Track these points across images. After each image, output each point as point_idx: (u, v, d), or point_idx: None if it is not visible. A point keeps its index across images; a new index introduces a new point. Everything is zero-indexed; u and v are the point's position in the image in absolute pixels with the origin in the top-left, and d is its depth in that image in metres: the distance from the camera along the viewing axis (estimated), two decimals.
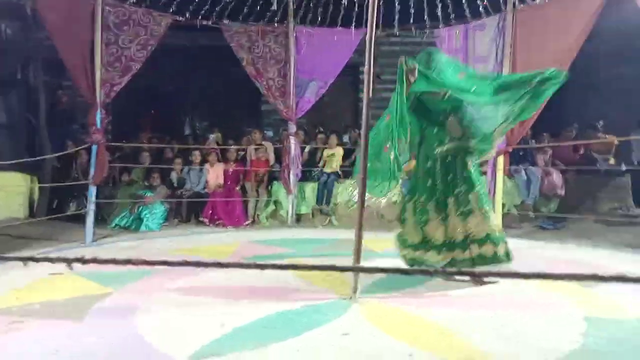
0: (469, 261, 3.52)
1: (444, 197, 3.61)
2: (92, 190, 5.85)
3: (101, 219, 6.62)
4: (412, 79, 3.59)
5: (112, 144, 7.39)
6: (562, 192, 6.79)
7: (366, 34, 3.49)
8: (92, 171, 5.84)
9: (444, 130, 3.66)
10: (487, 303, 3.24)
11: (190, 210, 7.29)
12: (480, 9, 6.48)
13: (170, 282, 3.69)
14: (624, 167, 6.47)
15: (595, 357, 2.34)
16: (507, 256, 3.52)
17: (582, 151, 7.11)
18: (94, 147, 5.82)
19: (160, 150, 8.02)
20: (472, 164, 3.62)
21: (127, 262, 1.01)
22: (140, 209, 6.66)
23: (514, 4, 6.17)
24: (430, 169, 3.67)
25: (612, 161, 6.95)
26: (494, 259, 3.48)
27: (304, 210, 7.39)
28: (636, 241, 5.47)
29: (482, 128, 3.68)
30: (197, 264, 1.03)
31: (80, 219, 6.12)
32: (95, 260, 1.03)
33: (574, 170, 6.81)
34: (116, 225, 6.66)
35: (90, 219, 5.75)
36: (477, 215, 3.51)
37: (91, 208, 5.77)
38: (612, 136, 6.85)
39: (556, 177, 6.81)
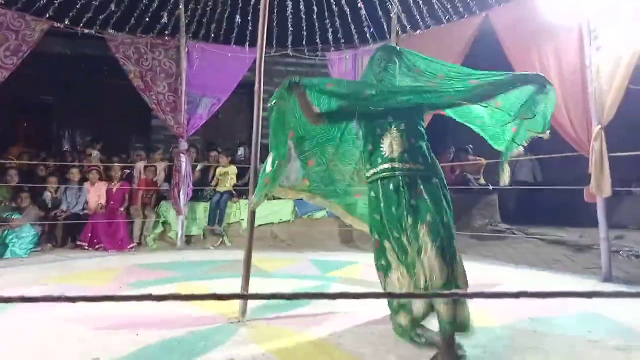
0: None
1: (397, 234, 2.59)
2: None
3: None
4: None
5: None
6: None
7: None
8: None
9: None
10: (369, 319, 3.36)
11: (66, 233, 6.67)
12: (368, 35, 6.88)
13: (41, 312, 3.32)
14: (491, 187, 7.19)
15: None
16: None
17: (457, 172, 7.76)
18: None
19: (31, 167, 7.27)
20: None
21: None
22: (5, 233, 5.94)
23: (397, 32, 6.65)
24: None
25: (482, 181, 7.68)
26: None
27: (195, 231, 7.13)
28: (502, 254, 6.09)
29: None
30: None
31: None
32: None
33: (451, 189, 7.40)
34: None
35: None
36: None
37: None
38: (481, 159, 7.59)
39: None
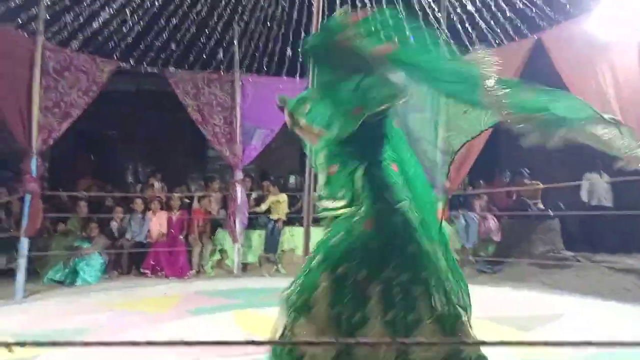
0: None
1: None
2: (24, 243, 5.52)
3: (33, 273, 6.20)
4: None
5: (48, 193, 7.06)
6: (498, 236, 7.14)
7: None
8: (24, 222, 5.53)
9: None
10: None
11: (131, 261, 7.01)
12: None
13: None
14: (551, 213, 6.93)
15: None
16: None
17: (514, 197, 7.54)
18: (27, 197, 5.55)
19: (99, 198, 7.74)
20: None
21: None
22: (76, 261, 6.32)
23: None
24: None
25: (540, 205, 7.41)
26: None
27: (250, 258, 7.30)
28: (565, 282, 5.80)
29: None
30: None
31: (10, 273, 5.70)
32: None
33: (508, 214, 7.19)
34: (49, 279, 6.24)
35: (21, 274, 5.38)
36: None
37: (22, 262, 5.43)
38: (538, 182, 7.35)
39: (492, 222, 7.17)
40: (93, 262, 6.41)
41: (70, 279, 6.21)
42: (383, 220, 1.97)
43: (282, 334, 1.92)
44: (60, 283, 6.19)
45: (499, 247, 7.13)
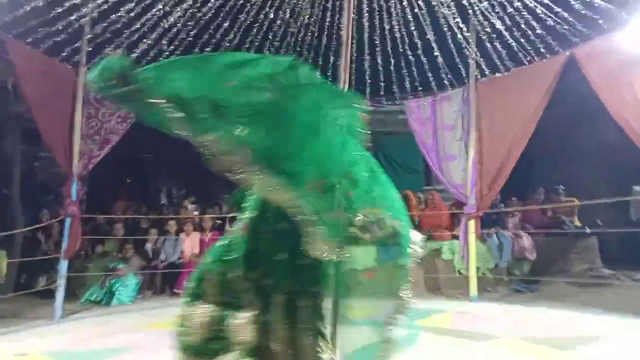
0: None
1: None
2: (64, 264, 5.72)
3: (72, 294, 6.40)
4: None
5: (86, 215, 7.30)
6: (533, 254, 6.97)
7: None
8: (64, 244, 5.74)
9: None
10: None
11: (164, 281, 7.15)
12: (445, 81, 6.94)
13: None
14: (588, 230, 6.74)
15: None
16: None
17: (549, 214, 7.37)
18: (67, 220, 5.76)
19: (135, 220, 7.95)
20: None
21: None
22: (112, 282, 6.49)
23: (476, 77, 6.65)
24: None
25: (577, 222, 7.22)
26: None
27: None
28: (604, 302, 5.60)
29: None
30: None
31: (50, 294, 5.90)
32: None
33: (543, 232, 7.02)
34: (87, 300, 6.43)
35: (60, 295, 5.57)
36: None
37: (61, 283, 5.62)
38: (574, 199, 7.18)
39: (526, 240, 7.01)
40: (128, 282, 6.57)
41: (106, 299, 6.38)
42: (254, 227, 2.12)
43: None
44: (97, 303, 6.36)
45: (534, 266, 6.95)
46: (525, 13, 5.39)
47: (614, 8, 4.70)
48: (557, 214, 7.27)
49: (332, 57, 6.78)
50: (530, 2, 5.23)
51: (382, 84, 7.30)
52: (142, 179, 11.67)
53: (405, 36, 6.45)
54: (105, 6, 5.46)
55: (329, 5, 6.32)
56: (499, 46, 6.02)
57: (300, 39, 6.85)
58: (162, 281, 7.15)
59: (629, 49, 4.78)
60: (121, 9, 5.41)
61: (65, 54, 5.70)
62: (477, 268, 6.43)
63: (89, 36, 5.75)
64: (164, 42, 5.97)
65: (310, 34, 6.76)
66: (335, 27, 6.41)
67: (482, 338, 4.08)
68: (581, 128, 9.21)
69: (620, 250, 7.46)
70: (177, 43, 6.15)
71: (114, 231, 7.38)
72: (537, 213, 7.49)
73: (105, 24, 5.56)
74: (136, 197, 10.06)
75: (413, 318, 5.03)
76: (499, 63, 6.25)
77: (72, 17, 5.32)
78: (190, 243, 7.31)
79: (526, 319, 4.93)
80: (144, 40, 5.79)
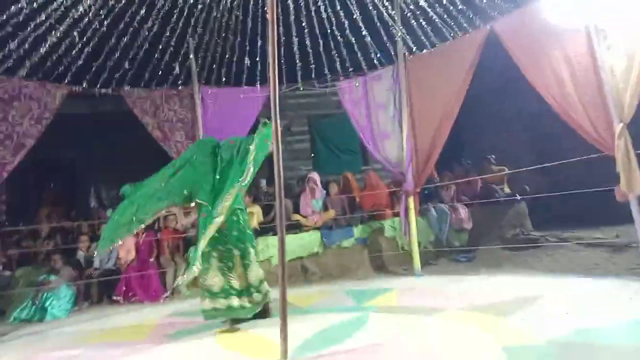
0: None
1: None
2: None
3: None
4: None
5: (7, 228, 6.74)
6: (469, 224, 7.25)
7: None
8: None
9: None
10: (411, 341, 3.31)
11: (101, 290, 6.74)
12: (375, 61, 6.96)
13: None
14: (519, 197, 7.09)
15: None
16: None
17: (480, 184, 7.67)
18: None
19: (62, 226, 7.44)
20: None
21: None
22: (44, 296, 6.04)
23: (405, 54, 6.72)
24: None
25: (507, 190, 7.56)
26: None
27: None
28: (538, 263, 5.94)
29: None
30: None
31: None
32: None
33: (477, 202, 7.30)
34: (15, 319, 5.92)
35: None
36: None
37: None
38: (504, 167, 7.50)
39: (462, 211, 7.27)
40: (62, 295, 6.14)
41: (39, 316, 5.93)
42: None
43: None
44: (29, 321, 5.89)
45: (471, 235, 7.25)
46: None
47: None
48: (488, 183, 7.58)
49: (259, 41, 6.60)
50: None
51: (313, 67, 7.21)
52: (68, 182, 10.96)
53: (332, 16, 6.38)
54: None
55: None
56: (423, 23, 6.10)
57: (224, 23, 6.60)
58: (98, 290, 6.74)
59: (545, 20, 4.97)
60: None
61: None
62: (419, 243, 6.60)
63: None
64: (74, 32, 5.50)
65: (234, 17, 6.51)
66: (260, 9, 6.22)
67: (431, 312, 4.16)
68: (505, 99, 9.64)
69: (546, 213, 7.92)
70: (89, 35, 5.72)
71: (39, 241, 6.86)
72: (470, 184, 7.77)
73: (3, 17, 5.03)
74: (64, 202, 9.43)
75: (362, 300, 5.10)
76: (424, 40, 6.35)
77: None
78: (124, 247, 6.92)
79: (469, 288, 5.11)
80: (52, 31, 5.31)
